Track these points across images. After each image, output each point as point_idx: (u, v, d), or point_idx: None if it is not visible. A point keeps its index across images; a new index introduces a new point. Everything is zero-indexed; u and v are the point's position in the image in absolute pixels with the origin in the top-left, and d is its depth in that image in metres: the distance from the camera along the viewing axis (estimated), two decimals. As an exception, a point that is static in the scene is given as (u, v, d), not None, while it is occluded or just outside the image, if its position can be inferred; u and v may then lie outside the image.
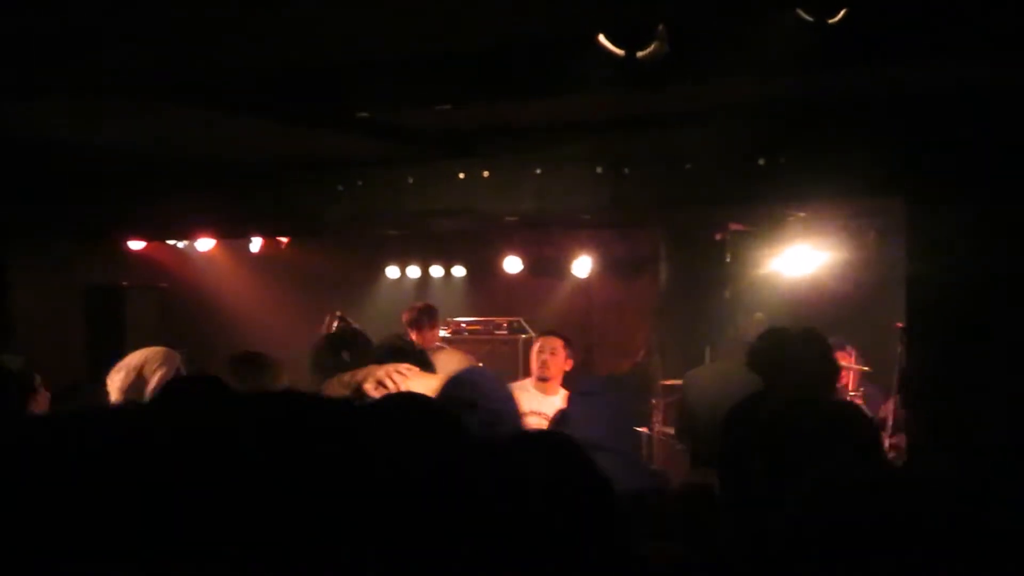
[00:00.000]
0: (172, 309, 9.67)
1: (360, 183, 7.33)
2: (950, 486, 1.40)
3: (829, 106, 5.78)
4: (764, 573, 1.57)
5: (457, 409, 2.90)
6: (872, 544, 1.32)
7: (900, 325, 6.50)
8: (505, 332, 11.04)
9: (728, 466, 2.50)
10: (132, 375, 4.41)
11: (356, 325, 8.44)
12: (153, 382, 4.36)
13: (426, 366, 4.02)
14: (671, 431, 8.01)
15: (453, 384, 3.23)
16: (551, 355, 6.75)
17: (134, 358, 4.51)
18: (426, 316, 8.23)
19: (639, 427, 9.14)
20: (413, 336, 8.06)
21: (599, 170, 6.56)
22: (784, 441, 2.34)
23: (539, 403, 6.18)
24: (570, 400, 5.38)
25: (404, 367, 3.60)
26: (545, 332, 7.19)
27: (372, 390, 3.38)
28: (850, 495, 1.38)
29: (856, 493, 1.39)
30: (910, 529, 1.32)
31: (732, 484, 2.46)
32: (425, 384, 3.41)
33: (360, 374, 3.55)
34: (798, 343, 3.82)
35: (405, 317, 8.35)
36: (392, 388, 3.40)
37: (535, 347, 6.96)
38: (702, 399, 3.01)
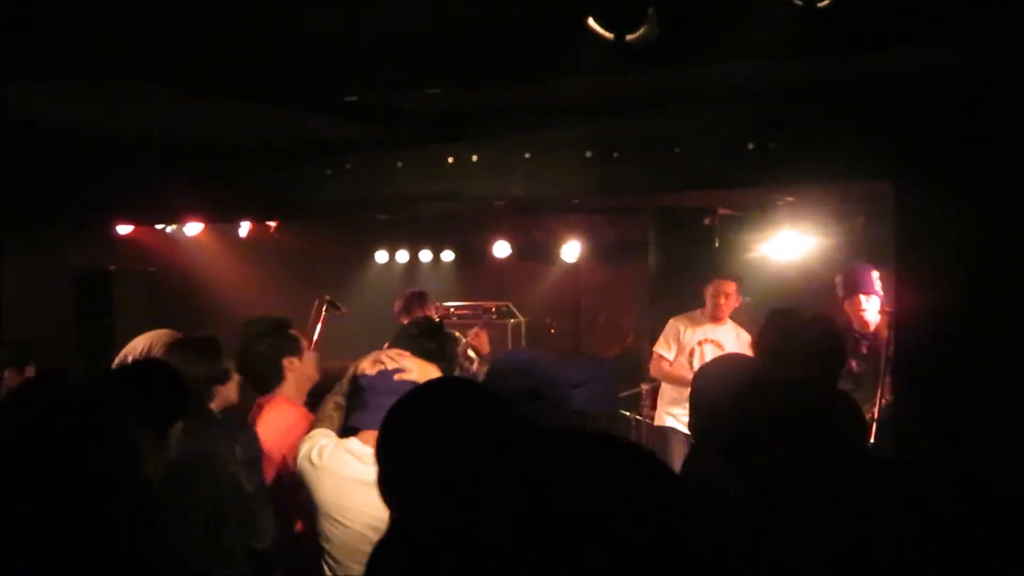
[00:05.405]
0: (160, 293, 9.65)
1: (349, 167, 7.31)
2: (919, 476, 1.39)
3: (819, 90, 5.77)
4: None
5: (518, 398, 2.94)
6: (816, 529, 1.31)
7: (888, 310, 6.53)
8: (494, 316, 11.05)
9: (728, 451, 2.51)
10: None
11: (344, 309, 8.42)
12: None
13: (448, 344, 4.12)
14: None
15: (507, 371, 3.28)
16: None
17: (139, 342, 4.48)
18: (416, 302, 8.16)
19: (625, 412, 9.17)
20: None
21: (588, 154, 6.54)
22: (774, 432, 2.36)
23: None
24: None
25: (395, 352, 3.64)
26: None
27: (368, 368, 3.45)
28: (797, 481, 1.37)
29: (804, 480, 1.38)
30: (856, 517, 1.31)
31: (730, 468, 2.47)
32: (421, 370, 3.45)
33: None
34: (807, 326, 3.81)
35: (397, 306, 8.29)
36: (388, 367, 3.46)
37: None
38: (721, 392, 2.84)
